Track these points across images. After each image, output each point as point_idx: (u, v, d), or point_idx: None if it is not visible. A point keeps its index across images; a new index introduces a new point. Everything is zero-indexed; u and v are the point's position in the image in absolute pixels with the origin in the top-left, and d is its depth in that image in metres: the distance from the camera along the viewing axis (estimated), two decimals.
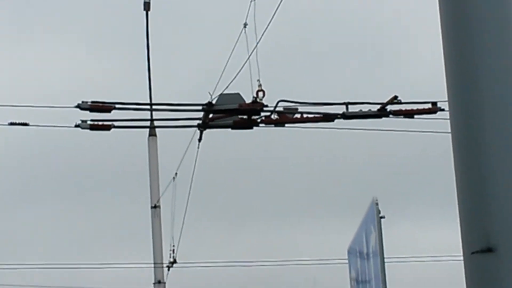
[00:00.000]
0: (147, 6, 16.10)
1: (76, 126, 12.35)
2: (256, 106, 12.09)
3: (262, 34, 11.94)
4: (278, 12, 11.50)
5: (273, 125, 12.32)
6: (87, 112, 12.27)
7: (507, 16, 3.99)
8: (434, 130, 12.39)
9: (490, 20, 3.99)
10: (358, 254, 14.17)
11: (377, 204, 12.35)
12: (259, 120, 12.23)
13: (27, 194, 34.81)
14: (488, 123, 3.92)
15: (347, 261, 15.05)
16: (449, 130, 4.11)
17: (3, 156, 35.85)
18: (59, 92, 26.01)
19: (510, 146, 3.88)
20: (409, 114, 12.04)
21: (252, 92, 12.13)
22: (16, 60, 33.34)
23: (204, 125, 12.39)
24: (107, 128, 12.48)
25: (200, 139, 12.71)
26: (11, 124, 12.52)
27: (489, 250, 3.89)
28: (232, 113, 12.23)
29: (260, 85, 12.06)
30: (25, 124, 12.52)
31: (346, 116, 12.11)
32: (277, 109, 12.16)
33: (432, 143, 13.29)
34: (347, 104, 11.98)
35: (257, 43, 11.93)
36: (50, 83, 33.39)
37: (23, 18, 35.64)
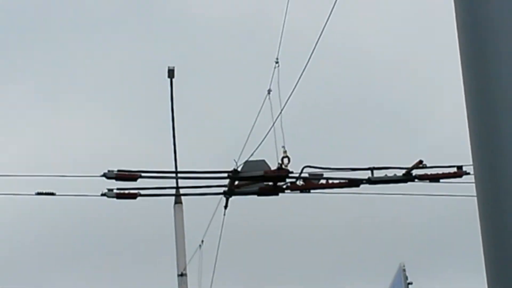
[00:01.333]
0: (171, 74, 16.28)
1: (103, 195, 12.50)
2: (282, 173, 12.18)
3: (287, 101, 11.99)
4: (302, 76, 11.60)
5: (298, 191, 12.37)
6: (113, 181, 12.41)
7: None
8: (461, 194, 12.25)
9: None
10: None
11: (404, 270, 12.14)
12: (284, 187, 12.31)
13: (54, 263, 35.25)
14: None
15: None
16: (475, 194, 3.92)
17: (30, 226, 36.56)
18: (85, 161, 26.30)
19: None
20: (435, 178, 12.09)
21: (277, 159, 12.21)
22: (42, 130, 33.97)
23: (230, 192, 12.49)
24: (133, 196, 12.66)
25: (226, 206, 12.73)
26: (38, 194, 12.60)
27: None
28: (257, 180, 12.33)
29: (285, 151, 12.16)
30: (52, 194, 12.61)
31: (371, 181, 12.19)
32: (302, 175, 12.22)
33: (459, 206, 13.23)
34: (372, 169, 12.06)
35: (282, 110, 12.00)
36: (76, 152, 33.81)
37: (49, 88, 36.42)
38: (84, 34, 34.26)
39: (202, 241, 16.01)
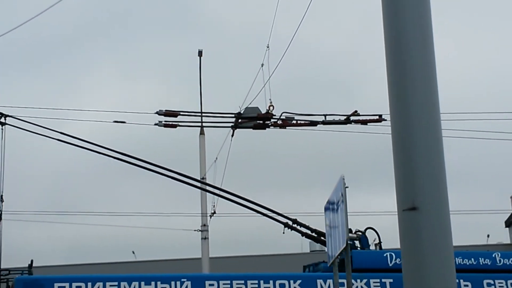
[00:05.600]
0: (200, 54, 20.30)
1: (155, 124, 15.63)
2: (268, 115, 15.12)
3: (273, 72, 15.26)
4: (283, 58, 15.07)
5: (278, 128, 15.37)
6: (162, 116, 15.58)
7: (430, 61, 4.66)
8: (381, 132, 15.09)
9: (417, 63, 4.63)
10: (331, 209, 16.04)
11: (343, 178, 14.45)
12: (270, 124, 15.23)
13: (124, 171, 42.95)
14: (413, 127, 4.60)
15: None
16: (390, 132, 4.77)
17: (110, 145, 43.56)
18: (146, 107, 32.68)
19: (426, 140, 4.55)
20: (364, 122, 15.39)
21: (266, 106, 15.28)
22: (122, 92, 42.40)
23: (235, 126, 15.48)
24: (174, 126, 15.66)
25: (232, 135, 15.79)
26: (115, 121, 15.97)
27: (414, 208, 4.44)
28: (253, 119, 15.20)
29: (271, 102, 15.19)
30: (123, 122, 15.99)
31: (324, 123, 15.35)
32: (281, 117, 15.22)
33: (379, 141, 16.16)
34: (325, 115, 15.30)
35: (269, 77, 15.29)
36: (143, 103, 41.42)
37: (127, 68, 44.23)
38: (143, 31, 41.67)
39: (216, 158, 19.58)
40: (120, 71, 51.86)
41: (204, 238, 19.96)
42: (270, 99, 15.20)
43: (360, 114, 15.66)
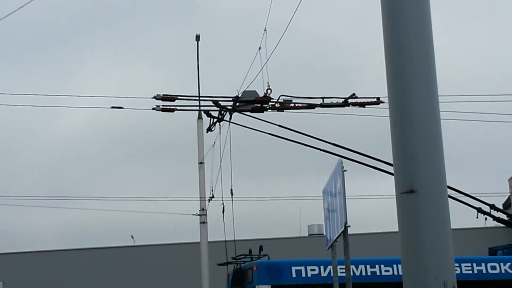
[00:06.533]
0: (198, 38, 20.42)
1: (153, 109, 15.96)
2: (266, 99, 15.21)
3: (270, 55, 15.30)
4: (280, 42, 15.18)
5: (276, 111, 15.45)
6: (160, 100, 15.74)
7: (428, 50, 4.70)
8: (379, 115, 14.69)
9: (415, 45, 4.67)
10: (329, 193, 15.99)
11: (342, 162, 14.29)
12: (267, 108, 15.29)
13: (122, 156, 43.27)
14: (411, 110, 4.61)
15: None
16: (388, 115, 4.79)
17: (105, 131, 43.95)
18: (143, 90, 33.12)
19: (423, 124, 4.56)
20: (362, 104, 15.57)
21: (264, 90, 15.34)
22: (121, 77, 42.69)
23: (233, 110, 15.50)
24: (172, 111, 15.85)
25: (230, 119, 15.68)
26: (112, 107, 16.36)
27: (412, 191, 4.46)
28: (250, 103, 15.30)
29: (268, 86, 15.23)
30: (121, 108, 16.39)
31: (322, 105, 15.49)
32: (279, 100, 15.33)
33: (378, 123, 15.70)
34: (323, 98, 15.42)
35: (267, 60, 15.27)
36: (140, 87, 41.90)
37: (123, 53, 44.88)
38: (140, 19, 42.16)
39: (214, 142, 19.63)
40: (117, 57, 52.06)
41: (203, 222, 20.12)
42: (267, 83, 15.28)
43: (358, 96, 15.79)
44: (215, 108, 15.55)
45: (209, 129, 15.35)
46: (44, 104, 15.56)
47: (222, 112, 15.19)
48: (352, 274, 12.37)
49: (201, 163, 20.00)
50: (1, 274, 35.50)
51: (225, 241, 16.36)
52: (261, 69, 15.47)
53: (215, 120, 15.30)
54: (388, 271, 16.99)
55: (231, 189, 17.07)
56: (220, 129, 17.37)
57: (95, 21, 49.06)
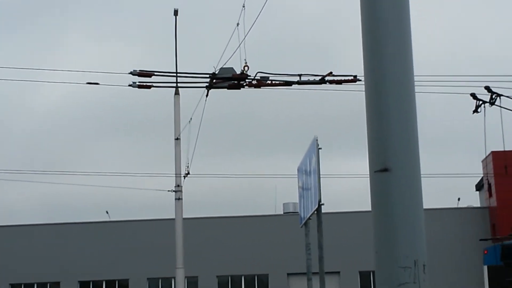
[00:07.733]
0: (176, 13, 20.39)
1: (129, 85, 16.06)
2: (243, 76, 15.41)
3: (248, 31, 15.13)
4: (258, 18, 14.78)
5: (253, 87, 15.73)
6: (136, 76, 15.95)
7: (405, 33, 4.66)
8: (354, 90, 15.34)
9: (392, 22, 4.65)
10: (304, 171, 17.14)
11: (317, 140, 15.49)
12: (244, 84, 15.57)
13: (98, 132, 43.77)
14: (386, 88, 4.60)
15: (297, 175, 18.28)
16: (364, 90, 4.73)
17: (82, 106, 44.14)
18: (119, 66, 33.16)
19: (399, 100, 4.56)
20: (339, 82, 15.82)
21: (241, 67, 15.47)
22: (92, 53, 42.38)
23: (210, 87, 15.89)
24: (148, 87, 16.12)
25: (207, 96, 16.26)
26: (88, 83, 16.30)
27: (385, 170, 4.44)
28: (227, 80, 15.53)
29: (246, 63, 15.37)
30: (97, 84, 16.39)
31: (299, 83, 15.70)
32: (256, 77, 15.58)
33: (353, 100, 17.32)
34: (300, 75, 15.58)
35: (245, 37, 15.17)
36: (116, 63, 42.49)
37: (95, 31, 45.26)
38: None
39: (191, 118, 19.85)
40: (93, 32, 51.73)
41: (178, 199, 20.15)
42: (245, 60, 15.33)
43: (335, 74, 15.88)
44: (192, 83, 15.80)
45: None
46: (21, 78, 15.39)
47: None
48: None
49: (177, 139, 19.92)
50: None
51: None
52: (239, 45, 15.51)
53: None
54: None
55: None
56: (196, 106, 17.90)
57: None
